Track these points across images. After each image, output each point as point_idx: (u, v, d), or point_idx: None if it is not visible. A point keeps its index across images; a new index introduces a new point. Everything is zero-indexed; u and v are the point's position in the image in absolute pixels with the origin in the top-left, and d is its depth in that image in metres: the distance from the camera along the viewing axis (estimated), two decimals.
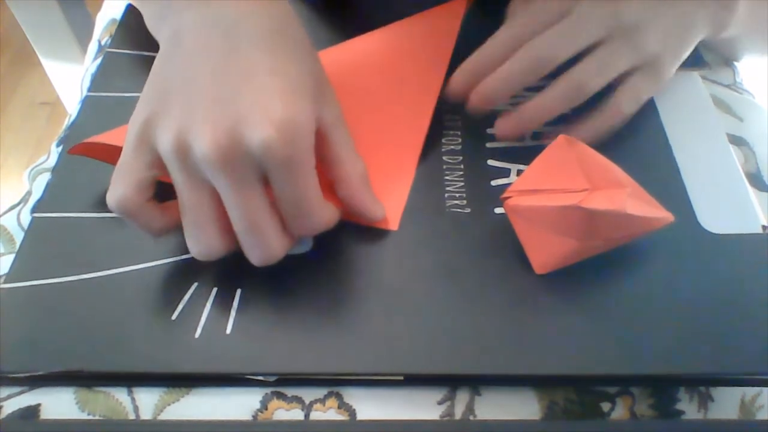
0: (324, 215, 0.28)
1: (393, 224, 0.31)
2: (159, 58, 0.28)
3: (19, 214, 0.36)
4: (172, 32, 0.28)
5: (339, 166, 0.29)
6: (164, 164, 0.26)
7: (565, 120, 0.33)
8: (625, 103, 0.32)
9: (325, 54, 0.34)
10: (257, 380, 0.27)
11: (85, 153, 0.33)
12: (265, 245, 0.27)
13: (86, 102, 0.38)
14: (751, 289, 0.28)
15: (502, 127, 0.33)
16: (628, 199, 0.26)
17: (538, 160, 0.29)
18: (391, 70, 0.36)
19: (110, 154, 0.32)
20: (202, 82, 0.26)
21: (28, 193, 0.38)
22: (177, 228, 0.28)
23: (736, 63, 0.43)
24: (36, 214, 0.32)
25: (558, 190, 0.27)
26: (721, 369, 0.26)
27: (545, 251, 0.28)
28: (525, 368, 0.26)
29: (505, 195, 0.29)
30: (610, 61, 0.32)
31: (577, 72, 0.31)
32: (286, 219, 0.27)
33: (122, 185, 0.26)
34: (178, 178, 0.26)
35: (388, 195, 0.32)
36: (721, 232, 0.30)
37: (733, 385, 0.28)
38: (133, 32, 0.40)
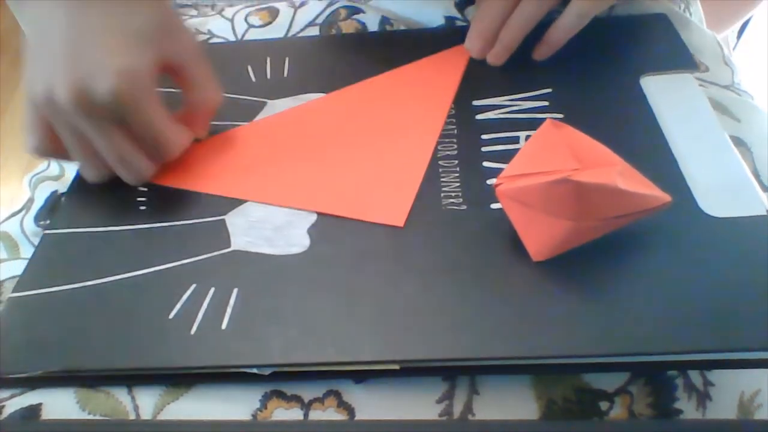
0: (177, 139, 0.34)
1: (399, 221, 0.31)
2: (27, 31, 0.33)
3: (22, 221, 0.36)
4: (27, 9, 0.33)
5: (191, 91, 0.35)
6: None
7: None
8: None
9: (342, 92, 0.40)
10: (253, 374, 0.27)
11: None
12: (134, 171, 0.34)
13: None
14: (755, 271, 0.28)
15: (537, 52, 0.40)
16: (619, 176, 0.26)
17: (527, 146, 0.29)
18: (402, 93, 0.40)
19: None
20: (58, 44, 0.31)
21: (30, 201, 0.38)
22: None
23: (734, 63, 0.44)
24: (47, 231, 0.33)
25: (548, 172, 0.27)
26: (722, 347, 0.25)
27: (540, 236, 0.28)
28: (523, 352, 0.26)
29: (497, 182, 0.29)
30: None
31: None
32: (146, 148, 0.33)
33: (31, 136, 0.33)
34: (55, 125, 0.32)
35: (395, 192, 0.33)
36: (722, 216, 0.30)
37: (734, 368, 0.27)
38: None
